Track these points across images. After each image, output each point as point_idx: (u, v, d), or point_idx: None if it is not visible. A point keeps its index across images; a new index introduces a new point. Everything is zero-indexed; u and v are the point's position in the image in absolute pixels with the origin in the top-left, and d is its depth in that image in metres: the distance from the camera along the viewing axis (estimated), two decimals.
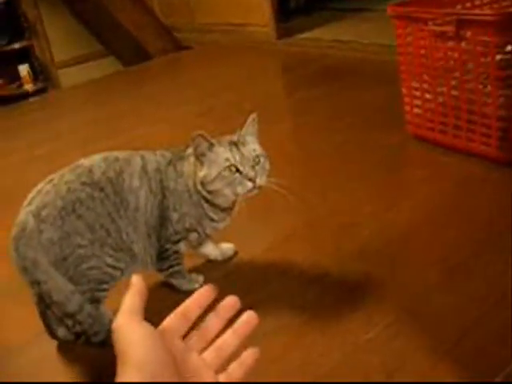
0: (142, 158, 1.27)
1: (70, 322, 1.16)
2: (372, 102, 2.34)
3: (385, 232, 1.43)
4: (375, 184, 1.68)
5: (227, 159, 1.20)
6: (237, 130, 1.26)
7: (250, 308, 0.70)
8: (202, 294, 0.73)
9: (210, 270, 1.40)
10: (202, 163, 1.22)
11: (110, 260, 1.19)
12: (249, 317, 0.73)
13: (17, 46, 4.67)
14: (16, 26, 4.66)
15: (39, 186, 1.20)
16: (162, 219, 1.25)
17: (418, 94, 1.86)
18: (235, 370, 0.72)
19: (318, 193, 1.69)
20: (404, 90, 1.91)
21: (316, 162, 1.92)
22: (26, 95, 4.55)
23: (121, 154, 1.26)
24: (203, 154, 1.22)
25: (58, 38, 4.90)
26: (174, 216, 1.26)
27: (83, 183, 1.18)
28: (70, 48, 5.03)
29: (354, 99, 2.43)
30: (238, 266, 1.41)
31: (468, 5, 1.90)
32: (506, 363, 0.98)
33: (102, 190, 1.19)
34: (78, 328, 1.14)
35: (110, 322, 1.11)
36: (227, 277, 1.37)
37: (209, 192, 1.23)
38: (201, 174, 1.23)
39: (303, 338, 1.14)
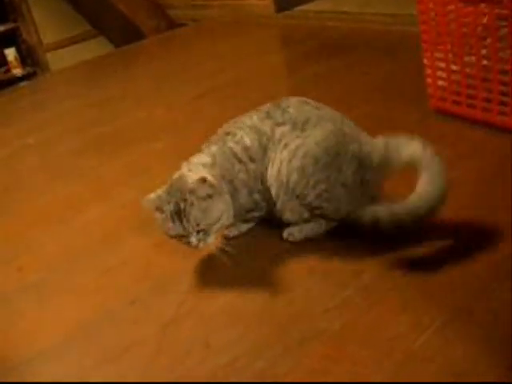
0: None
1: None
2: (385, 76, 2.19)
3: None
4: None
5: None
6: None
7: None
8: None
9: None
10: None
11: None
12: None
13: (1, 28, 4.47)
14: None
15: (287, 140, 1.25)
16: None
17: (442, 65, 1.71)
18: None
19: None
20: (426, 61, 1.75)
21: None
22: (14, 80, 4.37)
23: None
24: None
25: (44, 19, 4.71)
26: None
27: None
28: (57, 30, 4.84)
29: (364, 75, 2.27)
30: None
31: None
32: None
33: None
34: None
35: None
36: None
37: None
38: None
39: (344, 349, 1.00)
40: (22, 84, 4.13)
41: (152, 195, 1.21)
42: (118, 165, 1.95)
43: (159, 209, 1.19)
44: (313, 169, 1.22)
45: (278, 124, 1.26)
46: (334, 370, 0.95)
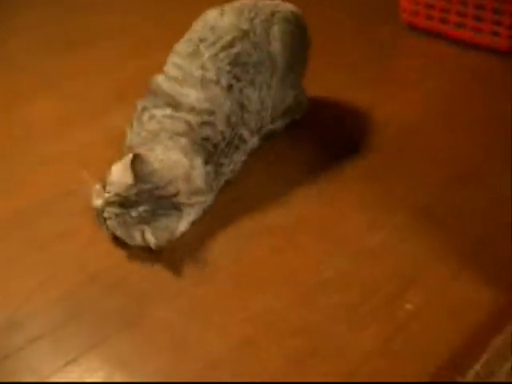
0: None
1: None
2: None
3: (387, 125, 1.24)
4: (371, 76, 1.46)
5: None
6: None
7: None
8: None
9: None
10: None
11: None
12: None
13: None
14: None
15: None
16: None
17: None
18: None
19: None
20: None
21: None
22: None
23: None
24: None
25: None
26: None
27: None
28: None
29: None
30: None
31: None
32: None
33: None
34: None
35: None
36: None
37: None
38: None
39: (295, 241, 0.94)
40: None
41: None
42: (68, 62, 1.81)
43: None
44: (291, 75, 1.19)
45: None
46: (280, 260, 0.90)
